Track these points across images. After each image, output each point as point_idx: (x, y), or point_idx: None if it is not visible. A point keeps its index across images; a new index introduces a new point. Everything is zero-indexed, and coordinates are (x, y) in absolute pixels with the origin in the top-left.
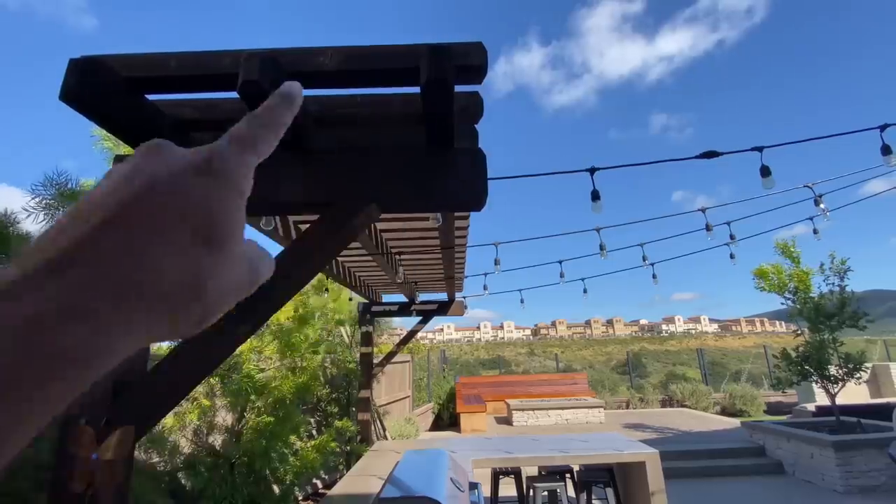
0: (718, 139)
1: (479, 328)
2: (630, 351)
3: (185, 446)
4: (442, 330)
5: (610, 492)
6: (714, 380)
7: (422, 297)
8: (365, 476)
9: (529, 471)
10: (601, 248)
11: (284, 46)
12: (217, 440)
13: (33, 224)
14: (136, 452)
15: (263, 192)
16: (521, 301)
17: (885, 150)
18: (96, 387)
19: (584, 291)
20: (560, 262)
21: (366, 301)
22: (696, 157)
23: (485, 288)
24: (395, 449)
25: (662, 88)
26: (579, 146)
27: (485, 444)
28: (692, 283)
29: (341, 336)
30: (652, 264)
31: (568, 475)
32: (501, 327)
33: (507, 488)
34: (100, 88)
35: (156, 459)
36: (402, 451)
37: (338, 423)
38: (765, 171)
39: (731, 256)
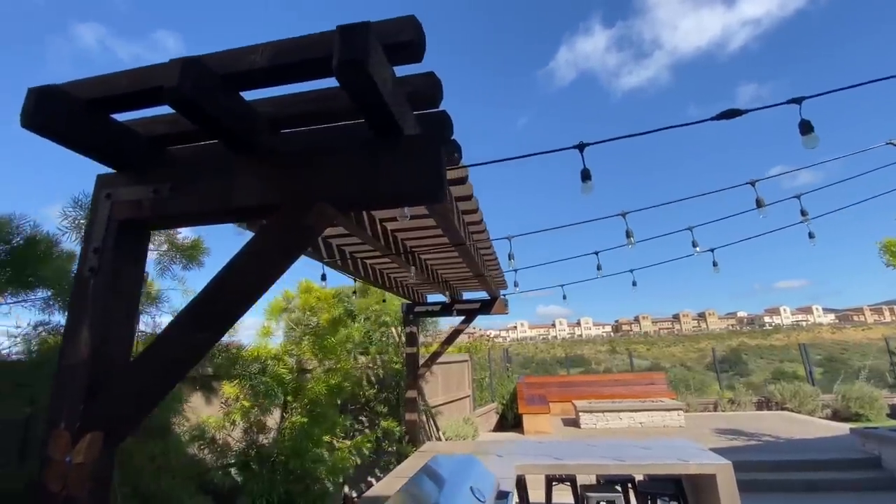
0: (818, 106)
1: (553, 325)
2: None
3: (234, 444)
4: (515, 328)
5: None
6: (831, 378)
7: (466, 295)
8: (402, 478)
9: (588, 479)
10: (628, 234)
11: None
12: (262, 439)
13: (71, 243)
14: (191, 450)
15: (219, 200)
16: (564, 297)
17: None
18: (74, 390)
19: (634, 284)
20: (596, 252)
21: (408, 302)
22: (714, 118)
23: (515, 285)
24: (443, 450)
25: (748, 56)
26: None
27: (535, 447)
28: (800, 269)
29: (392, 337)
30: (712, 250)
31: (630, 485)
32: (578, 324)
33: (564, 495)
34: (61, 113)
35: (207, 456)
36: (450, 452)
37: (384, 424)
38: (805, 128)
39: (811, 236)
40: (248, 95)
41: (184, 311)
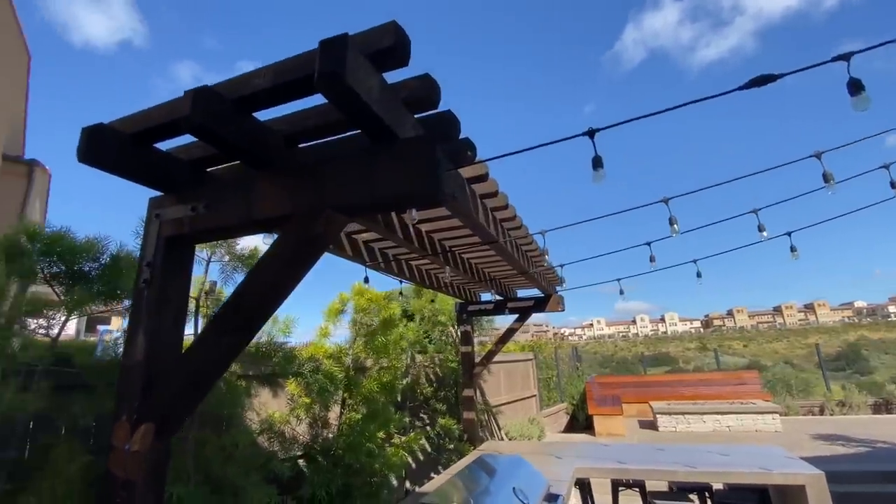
0: None
1: (634, 322)
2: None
3: (299, 438)
4: (591, 326)
5: None
6: None
7: (521, 293)
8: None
9: (660, 485)
10: (671, 222)
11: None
12: (325, 433)
13: None
14: (260, 440)
15: (243, 214)
16: (621, 292)
17: None
18: (132, 388)
19: (698, 276)
20: (648, 243)
21: (461, 301)
22: (742, 87)
23: (561, 282)
24: (503, 450)
25: (850, 9)
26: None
27: (601, 450)
28: None
29: (451, 336)
30: (789, 233)
31: (707, 494)
32: (662, 320)
33: (633, 501)
34: (111, 147)
35: (277, 448)
36: (509, 452)
37: (441, 421)
38: (855, 87)
39: None
40: (275, 112)
41: (213, 319)
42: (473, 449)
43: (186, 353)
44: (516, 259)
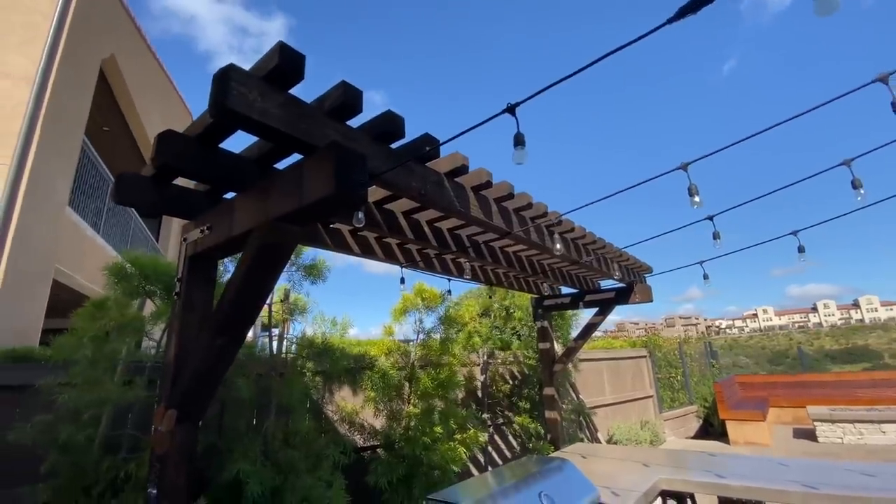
0: None
1: (814, 309)
2: None
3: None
4: (755, 315)
5: None
6: None
7: (604, 284)
8: None
9: None
10: (690, 192)
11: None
12: (394, 425)
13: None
14: (346, 430)
15: (226, 233)
16: (706, 277)
17: None
18: (166, 380)
19: (801, 250)
20: (711, 217)
21: (537, 296)
22: (672, 19)
23: (648, 269)
24: (585, 452)
25: None
26: None
27: (707, 461)
28: None
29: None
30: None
31: None
32: (855, 306)
33: None
34: (135, 189)
35: (357, 436)
36: (593, 455)
37: (517, 419)
38: None
39: None
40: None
41: (206, 324)
42: (554, 450)
43: (192, 356)
44: (545, 247)
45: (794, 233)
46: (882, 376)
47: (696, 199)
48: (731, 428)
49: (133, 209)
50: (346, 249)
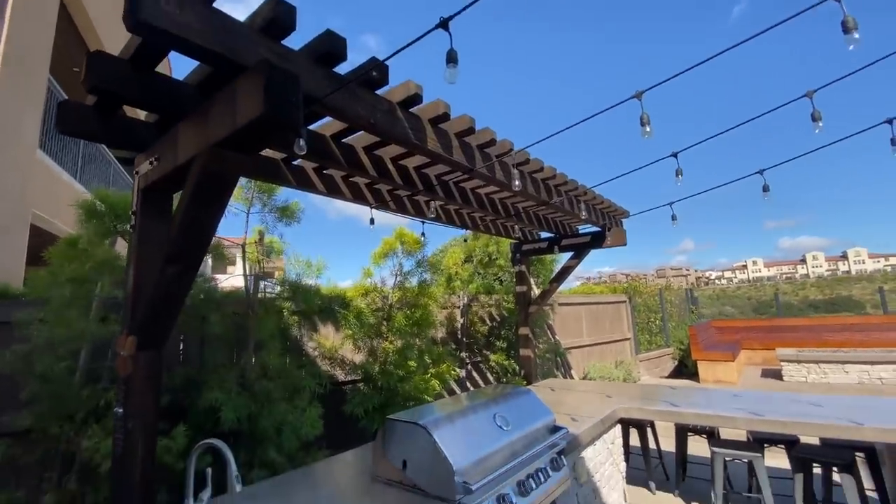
0: None
1: (803, 261)
2: None
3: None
4: (745, 267)
5: (849, 479)
6: None
7: (582, 229)
8: None
9: (738, 434)
10: (642, 122)
11: None
12: (371, 361)
13: None
14: (326, 366)
15: (172, 162)
16: (673, 218)
17: None
18: (127, 310)
19: (765, 189)
20: (675, 154)
21: (516, 241)
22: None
23: (624, 213)
24: (554, 386)
25: None
26: None
27: (669, 395)
28: None
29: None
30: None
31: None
32: (844, 257)
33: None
34: (77, 118)
35: (337, 371)
36: (564, 388)
37: (493, 357)
38: None
39: None
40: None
41: (161, 252)
42: (527, 384)
43: (147, 284)
44: (506, 183)
45: (761, 171)
46: (852, 321)
47: (647, 128)
48: (702, 368)
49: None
50: (311, 188)
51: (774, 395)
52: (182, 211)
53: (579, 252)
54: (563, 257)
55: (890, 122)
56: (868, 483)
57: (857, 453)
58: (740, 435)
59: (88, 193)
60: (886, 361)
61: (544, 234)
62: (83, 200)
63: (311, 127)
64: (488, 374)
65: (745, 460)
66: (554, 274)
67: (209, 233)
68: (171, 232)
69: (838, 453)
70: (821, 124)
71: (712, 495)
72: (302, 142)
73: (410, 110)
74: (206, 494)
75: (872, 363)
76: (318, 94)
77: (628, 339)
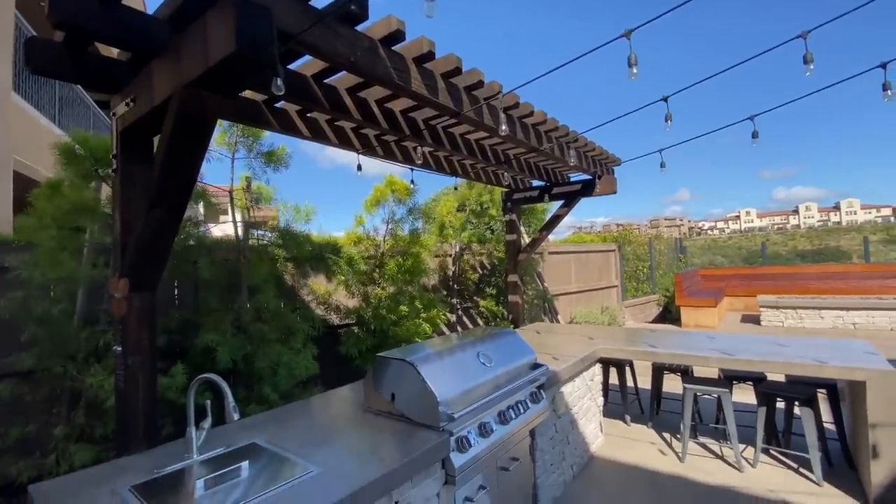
0: None
1: (796, 212)
2: None
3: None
4: (738, 218)
5: (808, 412)
6: None
7: (575, 177)
8: None
9: (711, 372)
10: (629, 63)
11: None
12: (364, 306)
13: None
14: (321, 311)
15: (148, 102)
16: (662, 165)
17: None
18: (117, 253)
19: (754, 136)
20: (665, 98)
21: (507, 189)
22: None
23: (615, 161)
24: (539, 329)
25: None
26: None
27: (649, 337)
28: None
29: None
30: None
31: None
32: (836, 208)
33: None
34: (46, 55)
35: (333, 316)
36: (549, 331)
37: (482, 303)
38: None
39: None
40: None
41: (145, 196)
42: (514, 328)
43: (134, 227)
44: (493, 127)
45: (752, 117)
46: (834, 269)
47: (634, 70)
48: (685, 313)
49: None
50: (295, 132)
51: (747, 337)
52: (162, 154)
53: (570, 200)
54: (555, 207)
55: (884, 66)
56: (828, 417)
57: (820, 390)
58: (712, 373)
59: (66, 137)
60: (861, 307)
61: (536, 183)
62: (62, 143)
63: (292, 66)
64: (478, 319)
65: (715, 395)
66: (544, 223)
67: (191, 176)
68: (153, 175)
69: (801, 389)
70: (812, 67)
71: (681, 426)
72: (280, 81)
73: (393, 48)
74: (206, 423)
75: (847, 309)
76: (293, 30)
77: (616, 286)
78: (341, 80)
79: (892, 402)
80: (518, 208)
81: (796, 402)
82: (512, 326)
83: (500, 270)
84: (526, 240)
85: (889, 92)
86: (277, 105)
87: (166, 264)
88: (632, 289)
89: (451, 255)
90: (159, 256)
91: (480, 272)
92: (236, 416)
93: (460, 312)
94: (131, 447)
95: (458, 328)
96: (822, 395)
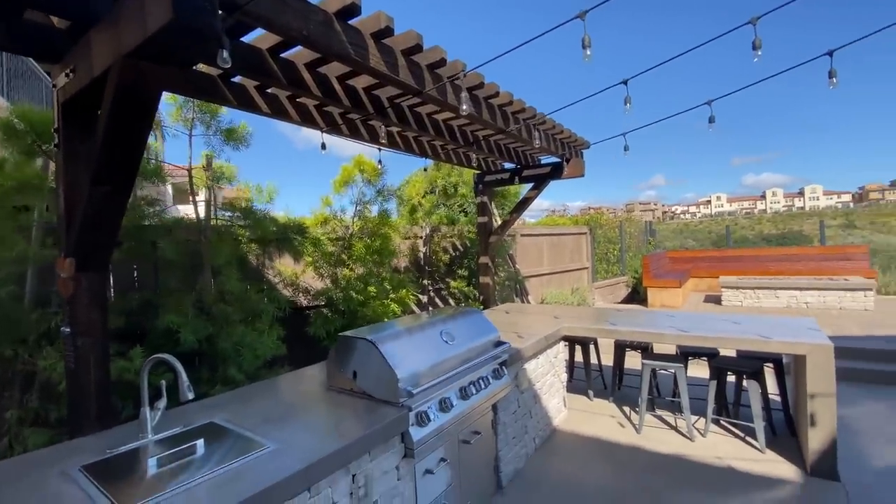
0: None
1: (763, 197)
2: None
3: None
4: (709, 202)
5: (754, 385)
6: None
7: (545, 160)
8: None
9: (669, 349)
10: (584, 44)
11: None
12: (332, 286)
13: None
14: (289, 293)
15: (88, 73)
16: (626, 149)
17: None
18: (62, 232)
19: (711, 120)
20: (625, 81)
21: (478, 171)
22: None
23: (584, 144)
24: (510, 310)
25: None
26: None
27: (613, 316)
28: None
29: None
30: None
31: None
32: (801, 194)
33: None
34: None
35: (301, 298)
36: (519, 311)
37: (453, 284)
38: None
39: None
40: None
41: (88, 172)
42: (484, 308)
43: (79, 204)
44: (453, 105)
45: (709, 102)
46: (792, 252)
47: (588, 52)
48: (651, 294)
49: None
50: (253, 108)
51: (704, 315)
52: (103, 129)
53: (539, 183)
54: (528, 189)
55: (830, 54)
56: (775, 390)
57: (767, 364)
58: (671, 350)
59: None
60: (813, 287)
61: (507, 165)
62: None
63: (246, 39)
64: (450, 300)
65: (671, 370)
66: (515, 205)
67: (137, 152)
68: (96, 151)
69: (749, 363)
70: (759, 53)
71: (639, 400)
72: (226, 54)
73: (350, 23)
74: (162, 403)
75: (801, 289)
76: (239, 0)
77: (586, 268)
78: (299, 54)
79: (828, 374)
80: (490, 190)
81: (744, 376)
82: (482, 307)
83: (473, 252)
84: (498, 222)
85: (835, 80)
86: (235, 80)
87: (115, 243)
88: (602, 270)
89: (421, 237)
90: (107, 235)
91: (452, 254)
92: (190, 395)
93: (432, 293)
94: (84, 429)
95: (430, 309)
96: (770, 370)
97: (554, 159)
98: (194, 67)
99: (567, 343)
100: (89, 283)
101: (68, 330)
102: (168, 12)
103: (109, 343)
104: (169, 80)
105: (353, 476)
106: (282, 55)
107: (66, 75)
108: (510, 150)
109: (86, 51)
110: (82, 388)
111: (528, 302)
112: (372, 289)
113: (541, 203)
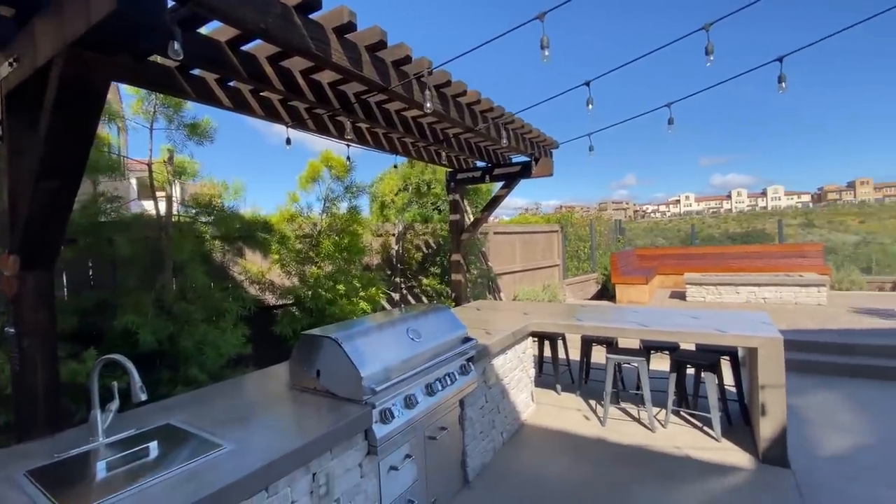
0: None
1: (729, 197)
2: None
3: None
4: (678, 202)
5: (710, 377)
6: None
7: (516, 159)
8: None
9: (633, 343)
10: (542, 45)
11: None
12: (299, 284)
13: None
14: (255, 291)
15: (32, 63)
16: (591, 149)
17: None
18: (5, 228)
19: (670, 122)
20: (587, 83)
21: (451, 169)
22: None
23: (553, 144)
24: (481, 307)
25: None
26: None
27: (579, 312)
28: None
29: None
30: None
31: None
32: (764, 194)
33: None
34: None
35: (268, 296)
36: (491, 308)
37: (425, 282)
38: None
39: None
40: None
41: (34, 168)
42: (456, 306)
43: (23, 200)
44: (442, 113)
45: (669, 104)
46: (753, 249)
47: (546, 52)
48: (619, 290)
49: None
50: (214, 102)
51: (666, 310)
52: (47, 122)
53: (510, 181)
54: (500, 187)
55: (780, 59)
56: (731, 381)
57: (724, 357)
58: (635, 344)
59: None
60: (771, 283)
61: (479, 164)
62: None
63: (204, 31)
64: (423, 298)
65: (635, 364)
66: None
67: (84, 146)
68: (41, 144)
69: (706, 356)
70: (712, 58)
71: (604, 393)
72: (177, 45)
73: (311, 17)
74: (114, 405)
75: (759, 285)
76: None
77: (558, 265)
78: (261, 47)
79: (778, 366)
80: (462, 188)
81: (702, 368)
82: (454, 304)
83: (446, 250)
84: (470, 220)
85: (784, 84)
86: (195, 72)
87: (63, 240)
88: (573, 268)
89: (394, 235)
90: (54, 232)
91: (425, 251)
92: (143, 396)
93: (404, 291)
94: (32, 433)
95: (401, 306)
96: (726, 362)
97: (524, 158)
98: (150, 59)
99: (536, 339)
100: (35, 282)
101: (13, 330)
102: (111, 1)
103: (58, 344)
104: (118, 72)
105: (314, 475)
106: (242, 48)
107: (10, 65)
108: (481, 149)
109: (29, 39)
110: (29, 391)
111: (501, 299)
112: (341, 287)
113: (516, 201)
